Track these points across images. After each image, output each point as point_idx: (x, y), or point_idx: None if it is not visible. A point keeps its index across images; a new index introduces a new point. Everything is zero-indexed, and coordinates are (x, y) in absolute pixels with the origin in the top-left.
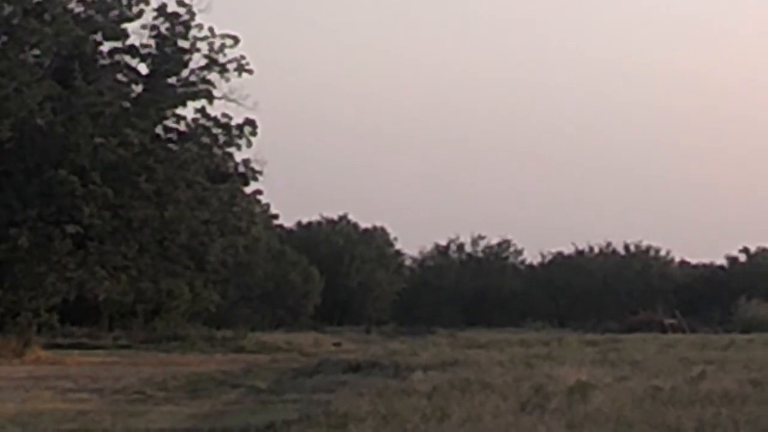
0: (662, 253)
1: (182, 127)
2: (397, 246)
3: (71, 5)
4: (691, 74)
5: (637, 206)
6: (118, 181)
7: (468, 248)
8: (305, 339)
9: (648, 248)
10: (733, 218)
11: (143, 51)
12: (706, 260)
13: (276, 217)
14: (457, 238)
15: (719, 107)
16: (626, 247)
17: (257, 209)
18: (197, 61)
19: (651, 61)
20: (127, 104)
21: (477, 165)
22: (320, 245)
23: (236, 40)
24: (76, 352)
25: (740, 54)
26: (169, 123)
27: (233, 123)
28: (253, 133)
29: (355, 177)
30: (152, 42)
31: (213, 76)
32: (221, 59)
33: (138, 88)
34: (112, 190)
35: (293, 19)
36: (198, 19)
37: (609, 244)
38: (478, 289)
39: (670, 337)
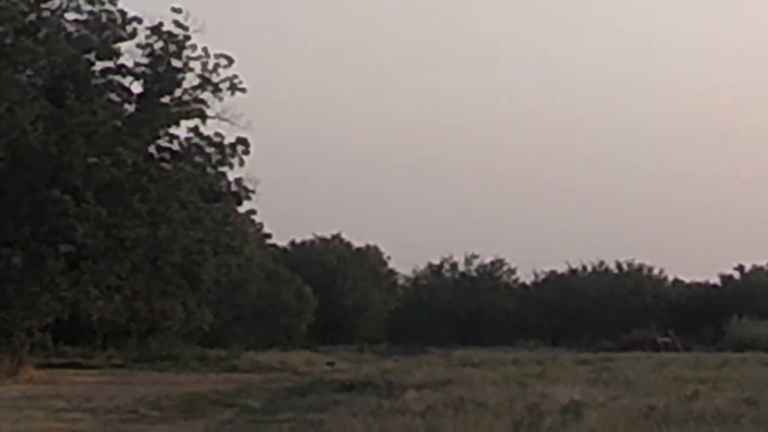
0: (655, 271)
1: (175, 146)
2: (391, 265)
3: (65, 25)
4: (683, 93)
5: (629, 225)
6: (112, 201)
7: (461, 267)
8: (298, 358)
9: (641, 267)
10: (726, 236)
11: (137, 70)
12: (699, 278)
13: (269, 236)
14: (451, 257)
15: (713, 125)
16: (619, 266)
17: (250, 229)
18: (190, 80)
19: (643, 80)
20: (120, 123)
21: (470, 184)
22: (313, 264)
23: (230, 60)
24: (70, 371)
25: (734, 74)
26: (163, 142)
27: (226, 142)
28: (246, 152)
29: (348, 196)
30: (146, 61)
31: (206, 96)
32: (214, 79)
33: (131, 108)
34: (106, 209)
35: (286, 39)
36: (192, 39)
37: (602, 263)
38: (471, 308)
39: (664, 355)
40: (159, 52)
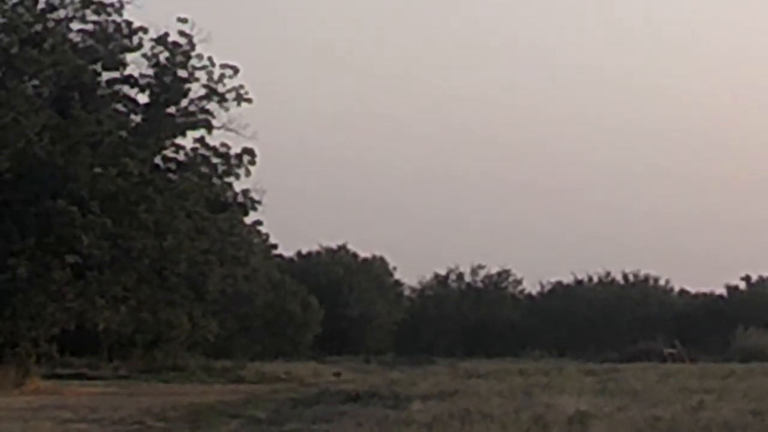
0: (661, 282)
1: (181, 156)
2: (397, 276)
3: (71, 35)
4: (689, 101)
5: (635, 235)
6: (117, 211)
7: (467, 278)
8: (305, 369)
9: (647, 277)
10: (733, 247)
11: (142, 81)
12: (706, 289)
13: (275, 246)
14: (457, 267)
15: (719, 134)
16: (625, 277)
17: (256, 239)
18: (196, 90)
19: (647, 87)
20: (126, 134)
21: (476, 195)
22: (319, 275)
23: (236, 70)
24: (76, 382)
25: (739, 81)
26: (168, 153)
27: (232, 152)
28: (252, 163)
29: (354, 206)
30: (151, 71)
31: (212, 106)
32: (220, 89)
33: (137, 118)
34: (111, 220)
35: (291, 47)
36: (197, 49)
37: (608, 274)
38: (477, 319)
39: (670, 366)
40: (165, 62)
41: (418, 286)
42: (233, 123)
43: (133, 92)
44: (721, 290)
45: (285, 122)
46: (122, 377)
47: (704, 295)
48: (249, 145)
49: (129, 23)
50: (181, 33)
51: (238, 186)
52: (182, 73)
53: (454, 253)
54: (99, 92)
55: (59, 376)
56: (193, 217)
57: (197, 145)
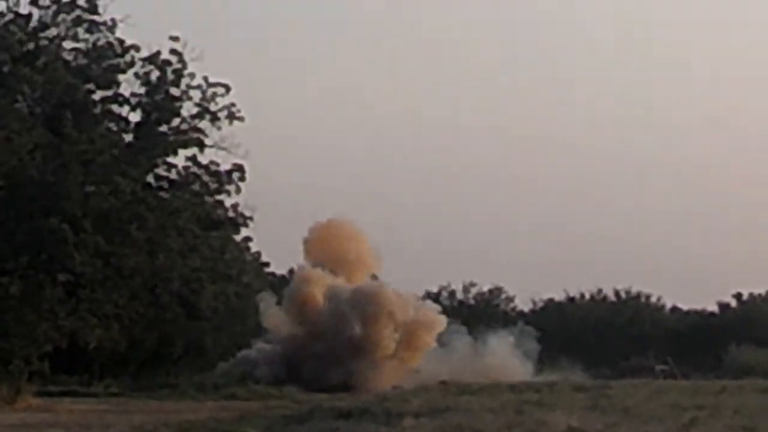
0: (653, 299)
1: (173, 175)
2: None
3: (63, 53)
4: (680, 117)
5: (627, 253)
6: (110, 229)
7: (459, 295)
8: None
9: (639, 294)
10: (724, 265)
11: (134, 100)
12: (697, 306)
13: (267, 264)
14: (449, 285)
15: (712, 150)
16: (617, 294)
17: (248, 257)
18: (189, 109)
19: (640, 103)
20: (118, 152)
21: (468, 212)
22: None
23: (227, 88)
24: (68, 399)
25: (733, 95)
26: (161, 171)
27: (223, 169)
28: (242, 179)
29: None
30: (144, 90)
31: (204, 125)
32: (212, 107)
33: (129, 137)
34: (104, 238)
35: (281, 65)
36: (190, 68)
37: (600, 291)
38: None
39: (662, 383)
40: (156, 81)
41: None
42: (225, 141)
43: (125, 111)
44: (712, 307)
45: (276, 139)
46: (114, 394)
47: (696, 312)
48: (239, 162)
49: (121, 42)
50: (173, 51)
51: (228, 202)
52: (174, 91)
53: (445, 271)
54: (91, 111)
55: (51, 394)
56: (185, 235)
57: (189, 163)
